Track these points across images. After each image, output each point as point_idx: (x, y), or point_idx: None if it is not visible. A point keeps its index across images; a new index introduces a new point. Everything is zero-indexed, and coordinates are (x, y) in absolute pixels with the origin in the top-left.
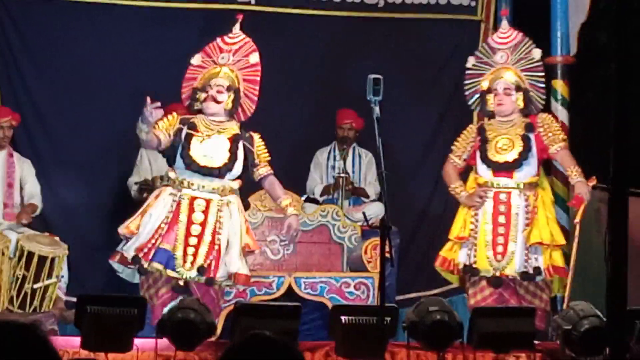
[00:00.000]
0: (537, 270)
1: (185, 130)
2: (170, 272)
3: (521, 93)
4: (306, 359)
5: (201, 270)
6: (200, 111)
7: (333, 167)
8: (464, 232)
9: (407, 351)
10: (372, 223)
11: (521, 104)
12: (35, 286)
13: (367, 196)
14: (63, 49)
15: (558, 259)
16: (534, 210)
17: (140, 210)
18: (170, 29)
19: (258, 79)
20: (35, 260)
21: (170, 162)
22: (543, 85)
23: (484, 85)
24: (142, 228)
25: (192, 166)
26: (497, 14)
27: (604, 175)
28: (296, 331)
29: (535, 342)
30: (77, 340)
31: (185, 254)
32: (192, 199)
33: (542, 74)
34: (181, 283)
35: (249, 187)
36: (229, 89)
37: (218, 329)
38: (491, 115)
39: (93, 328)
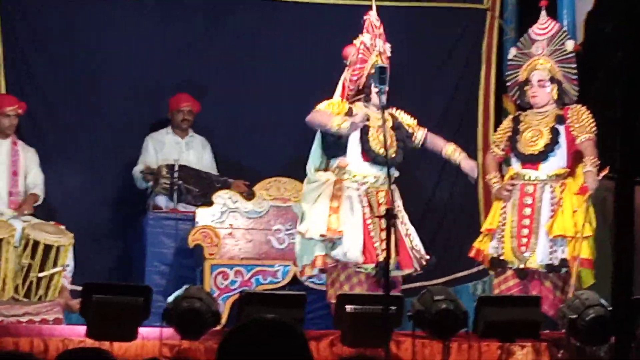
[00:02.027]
0: (563, 262)
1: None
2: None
3: (555, 84)
4: (311, 348)
5: None
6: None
7: None
8: (493, 224)
9: (413, 340)
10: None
11: (555, 96)
12: (40, 275)
13: None
14: (69, 38)
15: (585, 250)
16: (559, 202)
17: (329, 207)
18: (175, 19)
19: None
20: (40, 249)
21: (335, 153)
22: (576, 76)
23: (523, 76)
24: (345, 226)
25: (377, 158)
26: (504, 2)
27: (610, 164)
28: (301, 320)
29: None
30: (82, 329)
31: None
32: (377, 192)
33: (575, 65)
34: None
35: (254, 175)
36: None
37: (223, 318)
38: (530, 106)
39: (98, 317)
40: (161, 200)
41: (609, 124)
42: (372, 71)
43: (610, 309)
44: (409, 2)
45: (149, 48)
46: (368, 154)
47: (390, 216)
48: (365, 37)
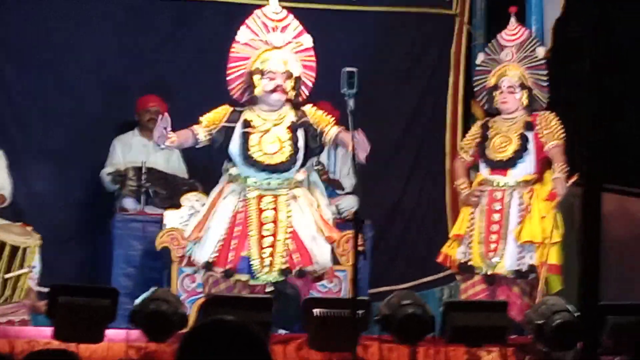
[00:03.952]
0: (531, 268)
1: (239, 129)
2: (253, 281)
3: (525, 91)
4: (278, 352)
5: (284, 272)
6: (250, 101)
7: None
8: (461, 229)
9: (380, 344)
10: (346, 216)
11: (525, 102)
12: (6, 276)
13: (342, 188)
14: (36, 38)
15: (553, 256)
16: (527, 208)
17: (204, 212)
18: (144, 18)
19: (314, 64)
20: (7, 250)
21: (223, 156)
22: (547, 83)
23: (491, 82)
24: (208, 232)
25: (257, 165)
26: (473, 8)
27: (578, 170)
28: (268, 323)
29: (513, 336)
30: (48, 330)
31: (261, 257)
32: (260, 197)
33: (546, 72)
34: (269, 288)
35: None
36: (289, 76)
37: (190, 320)
38: (498, 112)
39: (65, 318)
40: (129, 203)
41: (576, 131)
42: (254, 68)
43: (577, 314)
44: (377, 6)
45: (118, 49)
46: (247, 161)
47: (357, 221)
48: (239, 34)
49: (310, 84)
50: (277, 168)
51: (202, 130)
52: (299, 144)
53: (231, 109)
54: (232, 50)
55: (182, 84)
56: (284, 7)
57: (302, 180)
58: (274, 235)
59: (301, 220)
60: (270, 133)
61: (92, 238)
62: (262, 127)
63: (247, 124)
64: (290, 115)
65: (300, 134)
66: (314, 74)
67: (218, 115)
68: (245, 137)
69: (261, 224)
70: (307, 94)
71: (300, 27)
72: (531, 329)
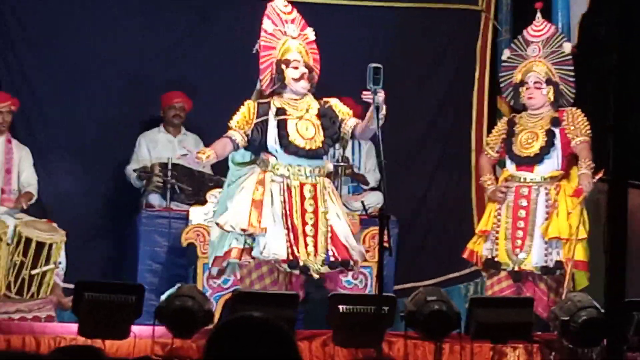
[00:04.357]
0: (558, 264)
1: (273, 119)
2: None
3: (552, 86)
4: (304, 348)
5: (326, 263)
6: (274, 92)
7: (333, 155)
8: (487, 225)
9: (405, 341)
10: (371, 212)
11: (551, 98)
12: (33, 272)
13: (367, 183)
14: (61, 35)
15: (579, 252)
16: (554, 204)
17: (251, 201)
18: (167, 15)
19: (318, 57)
20: (33, 246)
21: (259, 150)
22: (573, 78)
23: (517, 78)
24: (268, 221)
25: (298, 152)
26: (499, 3)
27: (604, 166)
28: (294, 319)
29: (538, 333)
30: (74, 327)
31: (305, 246)
32: (302, 185)
33: (572, 67)
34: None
35: None
36: (306, 65)
37: (215, 316)
38: (524, 108)
39: (90, 315)
40: (154, 199)
41: (602, 127)
42: (281, 57)
43: (602, 311)
44: (403, 2)
45: (142, 45)
46: (287, 149)
47: (382, 217)
48: (265, 24)
49: (316, 77)
50: (316, 153)
51: (238, 135)
52: (328, 132)
53: (255, 103)
54: (262, 39)
55: (206, 79)
56: (306, 2)
57: (330, 169)
58: (315, 225)
59: (333, 210)
60: (304, 120)
61: (118, 234)
62: (295, 115)
63: (281, 111)
64: (315, 104)
65: (327, 121)
66: (319, 67)
67: (246, 114)
68: (282, 124)
69: (304, 212)
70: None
71: (303, 21)
72: (557, 326)
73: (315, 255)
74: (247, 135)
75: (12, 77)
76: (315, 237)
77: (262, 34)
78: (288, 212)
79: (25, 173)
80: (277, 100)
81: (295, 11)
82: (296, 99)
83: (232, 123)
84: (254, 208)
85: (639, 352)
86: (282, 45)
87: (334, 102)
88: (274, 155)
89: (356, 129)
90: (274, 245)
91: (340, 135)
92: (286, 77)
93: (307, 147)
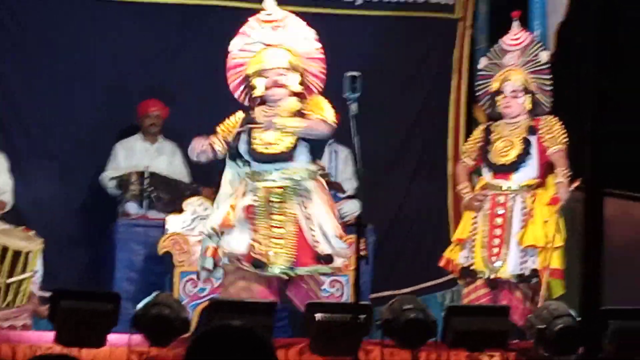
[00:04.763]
0: (533, 272)
1: (247, 127)
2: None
3: (528, 95)
4: (280, 357)
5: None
6: (261, 102)
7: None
8: (464, 233)
9: (381, 349)
10: (348, 221)
11: (528, 106)
12: (9, 281)
13: (343, 191)
14: (40, 42)
15: (555, 260)
16: (530, 212)
17: (228, 202)
18: (148, 24)
19: (322, 55)
20: (9, 254)
21: (232, 158)
22: (550, 87)
23: (494, 86)
24: (236, 221)
25: (262, 158)
26: (476, 12)
27: (580, 175)
28: (270, 328)
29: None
30: (51, 335)
31: (272, 247)
32: (267, 190)
33: (550, 76)
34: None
35: None
36: (292, 69)
37: (192, 325)
38: (500, 117)
39: (67, 323)
40: (131, 207)
41: (579, 136)
42: (250, 71)
43: (578, 319)
44: (379, 11)
45: (120, 53)
46: (253, 156)
47: (359, 225)
48: (232, 43)
49: (320, 75)
50: (276, 158)
51: (217, 142)
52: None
53: (244, 114)
54: (228, 60)
55: (184, 89)
56: (287, 11)
57: (315, 170)
58: (283, 227)
59: (314, 211)
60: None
61: (95, 242)
62: (265, 121)
63: (251, 121)
64: (295, 106)
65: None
66: (322, 64)
67: (232, 123)
68: (249, 132)
69: (270, 215)
70: (321, 85)
71: (302, 22)
72: (533, 334)
73: (280, 256)
74: (226, 143)
75: None
76: (283, 238)
77: (228, 54)
78: (253, 215)
79: (0, 180)
80: (257, 110)
81: (290, 17)
82: (274, 106)
83: (218, 128)
84: (231, 210)
85: None
86: (253, 57)
87: (313, 99)
88: (246, 163)
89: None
90: (235, 240)
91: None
92: (255, 90)
93: (266, 152)
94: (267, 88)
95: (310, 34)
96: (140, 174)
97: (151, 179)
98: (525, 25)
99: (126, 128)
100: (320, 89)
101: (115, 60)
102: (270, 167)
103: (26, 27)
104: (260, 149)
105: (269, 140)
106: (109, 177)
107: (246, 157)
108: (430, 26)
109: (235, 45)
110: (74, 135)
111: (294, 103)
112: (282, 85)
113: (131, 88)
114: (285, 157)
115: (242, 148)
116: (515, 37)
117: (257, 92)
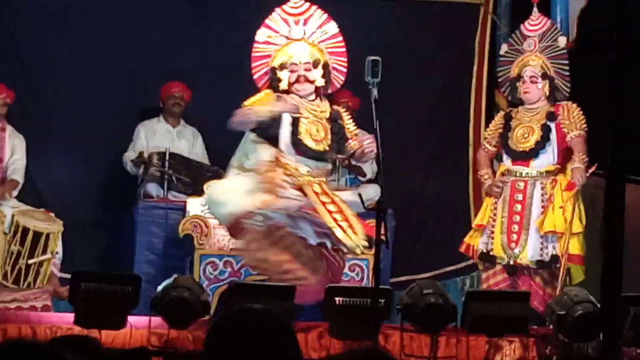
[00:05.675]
0: (553, 258)
1: (289, 115)
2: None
3: (547, 81)
4: (300, 340)
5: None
6: (286, 91)
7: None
8: (484, 219)
9: (401, 333)
10: (369, 205)
11: (547, 92)
12: (29, 262)
13: (364, 175)
14: (60, 26)
15: (575, 246)
16: (550, 198)
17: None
18: (164, 7)
19: (344, 50)
20: (30, 236)
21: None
22: (568, 73)
23: (514, 72)
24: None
25: (307, 152)
26: None
27: (600, 161)
28: (290, 311)
29: (534, 327)
30: (70, 316)
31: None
32: (310, 184)
33: (567, 61)
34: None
35: None
36: (315, 64)
37: (212, 308)
38: (521, 103)
39: (86, 305)
40: (152, 189)
41: (600, 122)
42: (276, 64)
43: (598, 305)
44: None
45: (141, 36)
46: (298, 148)
47: (379, 210)
48: (258, 34)
49: (342, 69)
50: (322, 155)
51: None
52: (334, 137)
53: (275, 94)
54: (253, 50)
55: (204, 72)
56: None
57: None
58: (340, 212)
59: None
60: (315, 122)
61: (115, 225)
62: (308, 115)
63: (296, 109)
64: (328, 109)
65: (335, 127)
66: (344, 59)
67: (264, 100)
68: (296, 122)
69: (324, 204)
70: (342, 79)
71: (325, 16)
72: (553, 320)
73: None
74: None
75: (11, 67)
76: (346, 220)
77: (254, 44)
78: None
79: (14, 156)
80: (294, 97)
81: (312, 8)
82: (308, 101)
83: (247, 104)
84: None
85: (634, 346)
86: (279, 50)
87: (346, 116)
88: (282, 155)
89: (355, 153)
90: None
91: (343, 148)
92: (281, 82)
93: (315, 148)
94: (292, 83)
95: (333, 27)
96: (162, 155)
97: (172, 160)
98: (547, 11)
99: (147, 111)
100: (341, 83)
101: (137, 43)
102: (313, 163)
103: (47, 14)
104: (308, 144)
105: (317, 138)
106: (130, 157)
107: (288, 147)
108: (452, 11)
109: (260, 36)
110: (95, 118)
111: (327, 107)
112: (307, 80)
113: (152, 72)
114: (324, 155)
115: (285, 136)
116: (534, 22)
117: (282, 85)
